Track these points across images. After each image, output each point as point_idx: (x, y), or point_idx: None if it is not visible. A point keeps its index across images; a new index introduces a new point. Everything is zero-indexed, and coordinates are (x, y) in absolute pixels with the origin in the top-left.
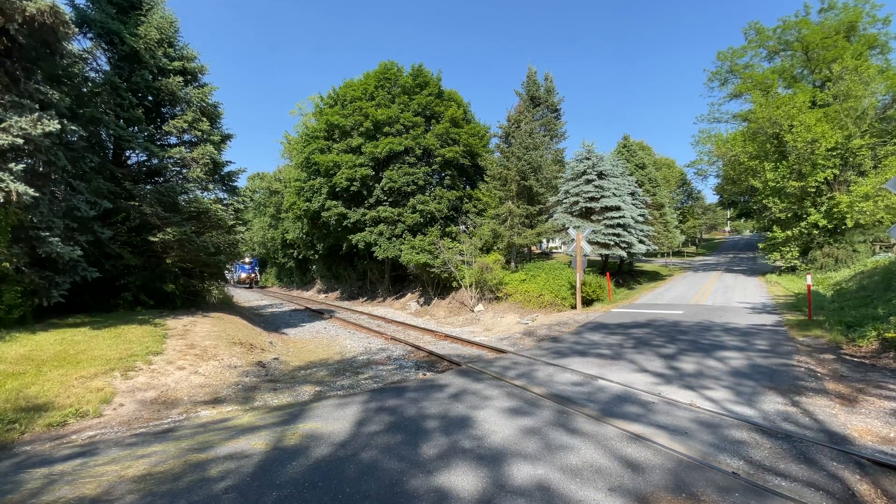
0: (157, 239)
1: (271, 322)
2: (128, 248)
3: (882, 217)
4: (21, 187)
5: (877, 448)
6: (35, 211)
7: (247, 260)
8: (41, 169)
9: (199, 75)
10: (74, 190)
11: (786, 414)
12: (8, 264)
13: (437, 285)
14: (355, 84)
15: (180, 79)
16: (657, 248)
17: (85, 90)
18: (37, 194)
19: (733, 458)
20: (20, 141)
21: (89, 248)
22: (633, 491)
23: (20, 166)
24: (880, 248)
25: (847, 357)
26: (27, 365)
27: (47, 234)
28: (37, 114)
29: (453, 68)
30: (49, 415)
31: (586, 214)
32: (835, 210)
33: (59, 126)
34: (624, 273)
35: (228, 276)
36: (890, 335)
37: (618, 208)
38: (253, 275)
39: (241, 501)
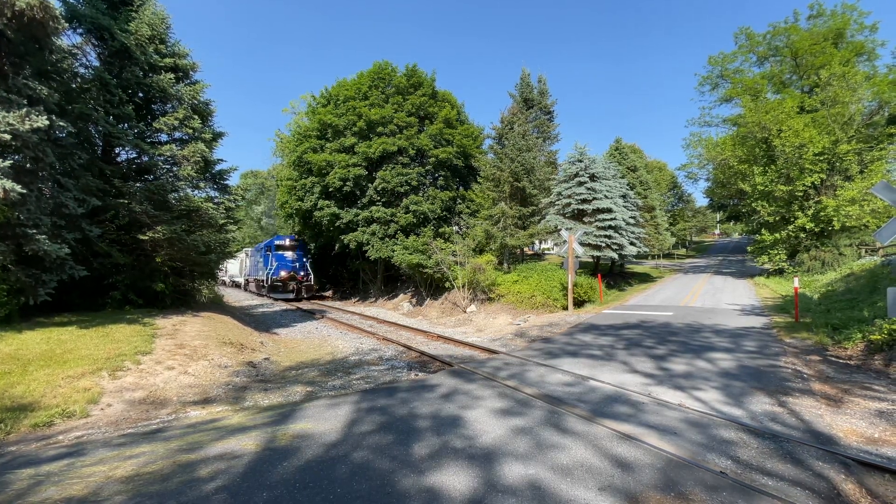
0: (146, 237)
1: (262, 322)
2: (116, 247)
3: (868, 221)
4: (8, 184)
5: (862, 448)
6: (22, 208)
7: (286, 243)
8: (28, 165)
9: (191, 72)
10: (62, 187)
11: (773, 414)
12: None
13: (430, 286)
14: (349, 83)
15: (171, 76)
16: (648, 250)
17: (74, 86)
18: (24, 191)
19: (721, 457)
20: (7, 136)
21: (77, 246)
22: (623, 490)
23: (7, 162)
24: (866, 252)
25: (833, 358)
26: (12, 364)
27: (34, 231)
28: (25, 109)
29: (448, 69)
30: (35, 415)
31: (578, 216)
32: (822, 214)
33: (47, 122)
34: (615, 275)
35: (241, 277)
36: (875, 337)
37: (609, 210)
38: (302, 274)
39: (232, 502)
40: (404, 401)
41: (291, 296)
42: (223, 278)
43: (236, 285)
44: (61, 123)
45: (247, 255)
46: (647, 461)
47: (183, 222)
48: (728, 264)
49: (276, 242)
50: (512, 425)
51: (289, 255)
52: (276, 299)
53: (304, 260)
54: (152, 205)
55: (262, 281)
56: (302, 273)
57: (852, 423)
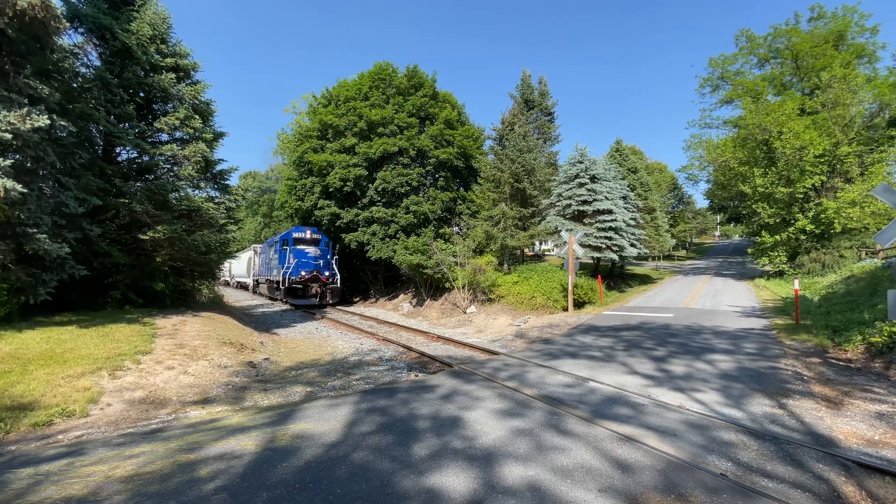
0: (147, 237)
1: (262, 322)
2: (117, 246)
3: (868, 223)
4: (9, 183)
5: (861, 450)
6: (22, 207)
7: (306, 236)
8: (29, 164)
9: (192, 72)
10: (63, 186)
11: (773, 416)
12: None
13: (430, 286)
14: (350, 84)
15: (172, 76)
16: (648, 251)
17: (75, 85)
18: (25, 190)
19: (721, 459)
20: (8, 136)
21: (77, 246)
22: (623, 491)
23: (8, 161)
24: (866, 254)
25: (833, 361)
26: (12, 363)
27: (34, 230)
28: (26, 108)
29: (448, 70)
30: (35, 414)
31: (579, 217)
32: (822, 216)
33: (48, 121)
34: (615, 276)
35: (248, 278)
36: (875, 340)
37: (610, 212)
38: (327, 274)
39: (232, 502)
40: (404, 401)
41: (314, 300)
42: (226, 279)
43: (242, 287)
44: (62, 123)
45: (255, 252)
46: (648, 463)
47: (183, 222)
48: (728, 266)
49: (295, 235)
50: (512, 426)
51: (310, 250)
52: (296, 306)
53: (329, 257)
54: (153, 204)
55: (277, 282)
56: (326, 273)
57: (852, 425)
